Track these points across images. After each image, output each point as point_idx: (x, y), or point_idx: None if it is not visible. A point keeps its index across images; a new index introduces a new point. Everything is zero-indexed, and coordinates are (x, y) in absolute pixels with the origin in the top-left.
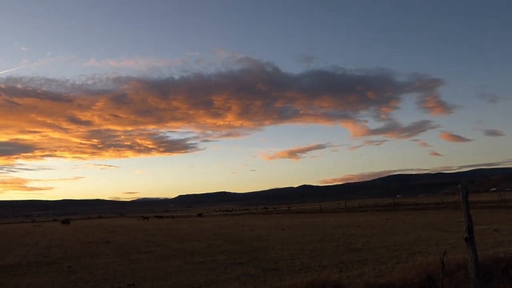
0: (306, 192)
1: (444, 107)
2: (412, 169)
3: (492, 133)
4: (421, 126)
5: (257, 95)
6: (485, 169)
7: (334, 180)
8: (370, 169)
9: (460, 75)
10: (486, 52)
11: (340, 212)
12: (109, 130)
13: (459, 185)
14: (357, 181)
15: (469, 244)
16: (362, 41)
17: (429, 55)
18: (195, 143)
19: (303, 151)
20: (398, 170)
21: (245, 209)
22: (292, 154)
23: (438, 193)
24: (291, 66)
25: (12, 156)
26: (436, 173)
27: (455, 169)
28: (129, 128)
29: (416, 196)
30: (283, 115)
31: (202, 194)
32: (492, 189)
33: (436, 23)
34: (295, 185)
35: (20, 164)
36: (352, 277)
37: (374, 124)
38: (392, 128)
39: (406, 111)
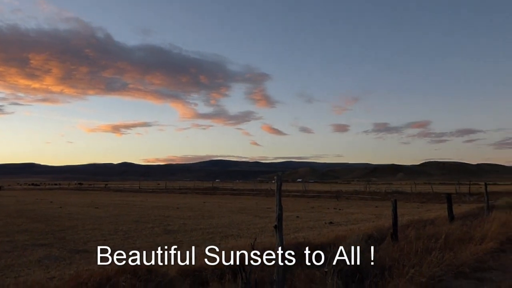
0: (127, 170)
1: (268, 101)
2: (233, 156)
3: (305, 130)
4: (246, 116)
5: (84, 61)
6: (295, 162)
7: (157, 160)
8: (194, 152)
9: (285, 74)
10: (308, 55)
11: (160, 193)
12: None
13: (275, 176)
14: (180, 162)
15: (277, 231)
16: (202, 24)
17: (261, 50)
18: (2, 105)
19: (128, 127)
20: (220, 156)
21: (56, 184)
22: (116, 129)
23: (254, 180)
24: (126, 36)
25: None
26: (253, 162)
27: (270, 160)
28: None
29: (233, 181)
30: (110, 87)
31: (3, 164)
32: (298, 180)
33: (271, 20)
34: (116, 162)
35: None
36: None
37: (203, 109)
38: (219, 115)
39: (235, 100)
